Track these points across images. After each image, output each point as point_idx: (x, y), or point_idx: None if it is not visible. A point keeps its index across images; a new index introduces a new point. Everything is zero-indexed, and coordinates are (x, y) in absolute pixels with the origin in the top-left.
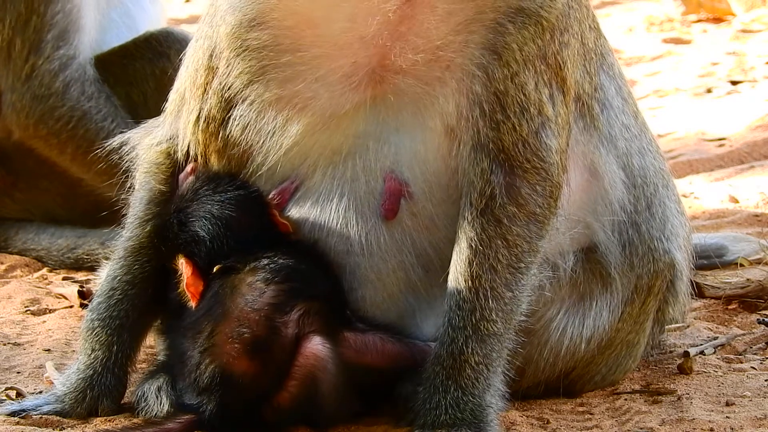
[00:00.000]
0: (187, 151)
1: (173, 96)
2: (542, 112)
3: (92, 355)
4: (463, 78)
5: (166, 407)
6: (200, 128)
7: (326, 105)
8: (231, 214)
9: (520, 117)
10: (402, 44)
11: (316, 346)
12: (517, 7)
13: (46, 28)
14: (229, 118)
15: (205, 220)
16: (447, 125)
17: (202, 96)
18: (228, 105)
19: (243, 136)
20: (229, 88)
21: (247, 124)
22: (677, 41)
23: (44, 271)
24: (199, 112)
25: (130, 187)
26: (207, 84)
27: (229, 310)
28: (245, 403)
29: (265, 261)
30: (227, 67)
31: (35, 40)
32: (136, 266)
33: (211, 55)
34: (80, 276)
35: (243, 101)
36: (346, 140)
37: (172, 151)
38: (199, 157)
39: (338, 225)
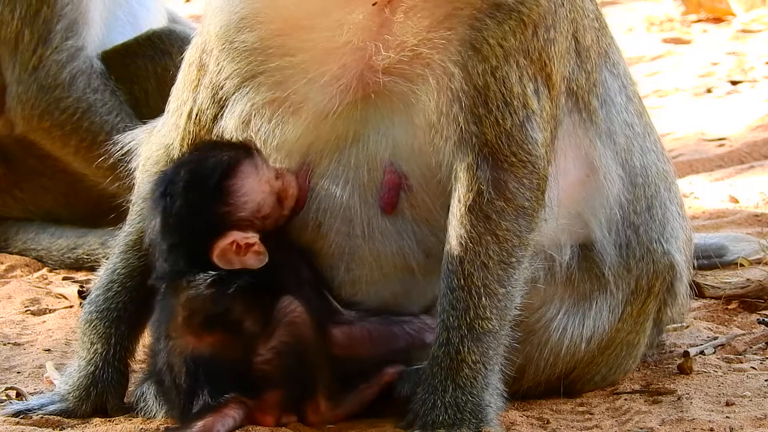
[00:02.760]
0: (184, 147)
1: (174, 91)
2: (527, 106)
3: (91, 349)
4: (443, 75)
5: (165, 408)
6: (193, 121)
7: (319, 106)
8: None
9: (503, 110)
10: (385, 46)
11: (292, 302)
12: (496, 3)
13: (55, 19)
14: (222, 115)
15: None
16: (429, 121)
17: (195, 90)
18: (220, 103)
19: (236, 133)
20: (221, 89)
21: (240, 121)
22: (677, 41)
23: (44, 271)
24: (192, 106)
25: (131, 185)
26: (199, 80)
27: (174, 308)
28: (230, 370)
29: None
30: (217, 65)
31: (44, 30)
32: (135, 260)
33: (202, 52)
34: (80, 276)
35: (236, 102)
36: (348, 131)
37: (170, 150)
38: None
39: (341, 209)
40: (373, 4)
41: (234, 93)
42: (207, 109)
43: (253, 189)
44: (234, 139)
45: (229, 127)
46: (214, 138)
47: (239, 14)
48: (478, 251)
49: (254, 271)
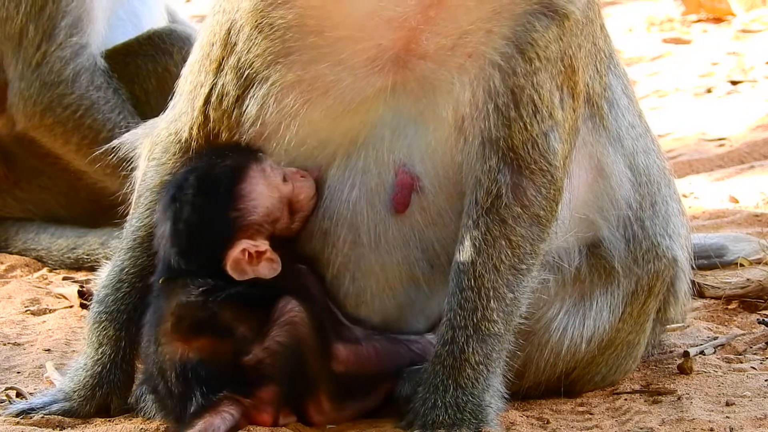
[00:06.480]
0: (197, 132)
1: (186, 74)
2: (552, 115)
3: (100, 350)
4: (484, 67)
5: (160, 414)
6: (212, 105)
7: (348, 88)
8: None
9: (532, 117)
10: (430, 28)
11: (291, 302)
12: (543, 6)
13: (60, 15)
14: (246, 96)
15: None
16: (458, 115)
17: (216, 71)
18: (246, 83)
19: (260, 117)
20: (249, 66)
21: (266, 104)
22: (677, 41)
23: (44, 271)
24: (212, 88)
25: (132, 183)
26: (223, 59)
27: (164, 312)
28: (221, 371)
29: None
30: (247, 43)
31: (49, 26)
32: (144, 258)
33: (229, 30)
34: (80, 276)
35: (263, 81)
36: (364, 129)
37: (181, 135)
38: (205, 138)
39: (348, 216)
40: None
41: (263, 71)
42: (231, 91)
43: (263, 193)
44: (242, 144)
45: (252, 111)
46: (224, 143)
47: None
48: (490, 254)
49: (257, 281)
